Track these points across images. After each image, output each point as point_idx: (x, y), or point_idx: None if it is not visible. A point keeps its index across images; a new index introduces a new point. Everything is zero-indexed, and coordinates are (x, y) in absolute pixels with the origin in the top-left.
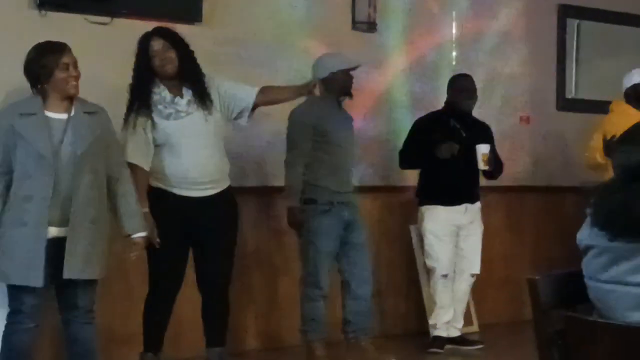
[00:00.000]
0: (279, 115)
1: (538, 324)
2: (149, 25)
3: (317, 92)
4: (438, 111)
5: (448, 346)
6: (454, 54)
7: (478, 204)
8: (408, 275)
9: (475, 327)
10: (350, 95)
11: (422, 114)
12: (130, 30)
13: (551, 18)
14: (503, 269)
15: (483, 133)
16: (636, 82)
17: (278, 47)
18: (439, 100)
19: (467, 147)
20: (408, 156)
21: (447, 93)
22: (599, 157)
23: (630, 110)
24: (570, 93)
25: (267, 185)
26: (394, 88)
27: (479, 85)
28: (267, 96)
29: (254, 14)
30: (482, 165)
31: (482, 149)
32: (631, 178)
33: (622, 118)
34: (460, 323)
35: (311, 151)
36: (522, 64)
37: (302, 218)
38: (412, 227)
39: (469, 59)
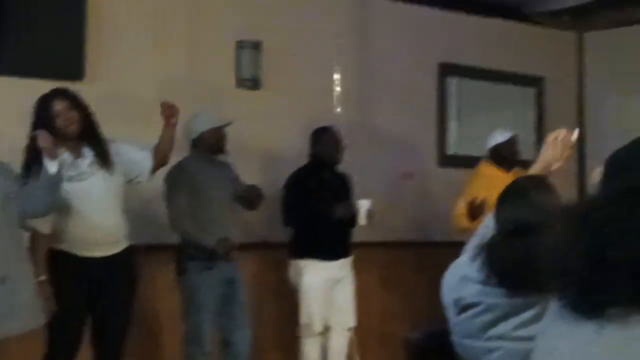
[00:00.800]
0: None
1: None
2: (31, 84)
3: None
4: (307, 165)
5: None
6: (338, 110)
7: (351, 258)
8: (290, 331)
9: None
10: (222, 151)
11: None
12: (12, 88)
13: (432, 76)
14: (382, 324)
15: (348, 182)
16: (497, 142)
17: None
18: None
19: (339, 198)
20: (294, 214)
21: (315, 145)
22: (465, 221)
23: (493, 171)
24: (451, 149)
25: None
26: (280, 144)
27: (365, 138)
28: (157, 154)
29: (136, 71)
30: (363, 221)
31: (365, 205)
32: (523, 233)
33: (484, 180)
34: None
35: (188, 208)
36: (404, 120)
37: (231, 245)
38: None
39: (352, 114)
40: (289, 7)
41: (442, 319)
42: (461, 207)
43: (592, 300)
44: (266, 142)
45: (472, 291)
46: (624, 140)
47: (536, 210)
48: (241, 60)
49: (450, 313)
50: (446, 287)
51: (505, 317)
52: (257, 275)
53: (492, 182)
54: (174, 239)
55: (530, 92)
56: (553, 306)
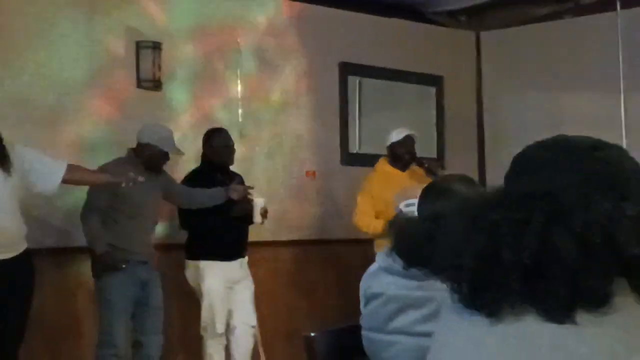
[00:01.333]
0: None
1: None
2: None
3: (130, 184)
4: (200, 167)
5: None
6: (240, 111)
7: (246, 258)
8: (194, 332)
9: None
10: (158, 172)
11: None
12: None
13: (333, 75)
14: (290, 322)
15: (239, 183)
16: (392, 141)
17: (61, 107)
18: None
19: (233, 201)
20: (187, 217)
21: (205, 148)
22: (367, 218)
23: (389, 168)
24: (354, 148)
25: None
26: (181, 146)
27: (266, 141)
28: (74, 176)
29: (36, 71)
30: (258, 219)
31: (260, 203)
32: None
33: (381, 177)
34: None
35: (108, 210)
36: (307, 120)
37: (114, 260)
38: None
39: (256, 116)
40: (189, 8)
41: (347, 317)
42: (364, 204)
43: (487, 297)
44: None
45: (381, 282)
46: (521, 138)
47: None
48: (141, 60)
49: (361, 304)
50: (363, 280)
51: (405, 309)
52: (162, 277)
53: (387, 179)
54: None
55: (430, 91)
56: (447, 301)
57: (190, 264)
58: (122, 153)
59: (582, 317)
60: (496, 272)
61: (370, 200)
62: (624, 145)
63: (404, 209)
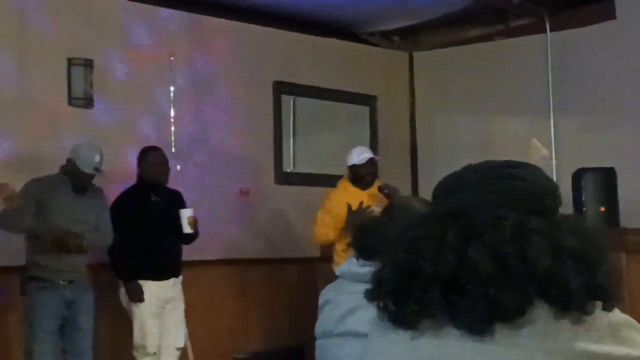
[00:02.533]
0: None
1: None
2: None
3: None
4: (134, 186)
5: None
6: (172, 128)
7: (181, 277)
8: (128, 353)
9: None
10: (82, 191)
11: None
12: None
13: (267, 94)
14: (224, 342)
15: (178, 200)
16: (354, 163)
17: None
18: None
19: (168, 218)
20: (118, 237)
21: (140, 167)
22: (331, 233)
23: (349, 187)
24: (288, 167)
25: None
26: (114, 164)
27: (202, 158)
28: None
29: None
30: (188, 229)
31: (187, 213)
32: None
33: (340, 194)
34: None
35: (32, 226)
36: (241, 138)
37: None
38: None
39: (188, 134)
40: (120, 26)
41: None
42: (322, 217)
43: (407, 310)
44: None
45: (336, 289)
46: (454, 158)
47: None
48: (73, 78)
49: (319, 316)
50: (322, 292)
51: (353, 311)
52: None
53: (347, 197)
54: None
55: (364, 110)
56: (374, 320)
57: (122, 284)
58: (52, 170)
59: (500, 332)
60: (416, 286)
61: (328, 216)
62: (554, 166)
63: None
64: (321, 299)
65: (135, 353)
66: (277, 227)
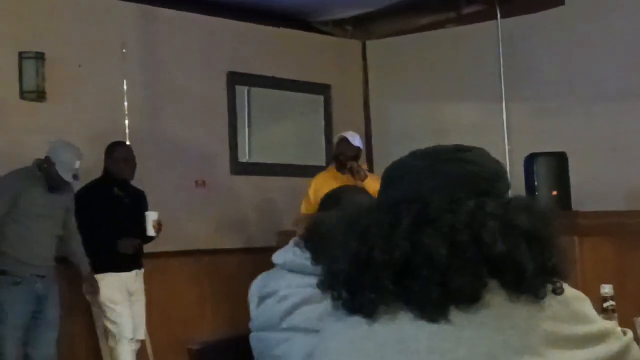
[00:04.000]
0: None
1: None
2: None
3: None
4: (98, 179)
5: None
6: (126, 121)
7: (142, 270)
8: (87, 344)
9: None
10: (56, 190)
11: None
12: None
13: (221, 85)
14: (181, 333)
15: (142, 199)
16: (337, 152)
17: None
18: None
19: (131, 214)
20: (82, 231)
21: (106, 161)
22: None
23: (332, 171)
24: (244, 157)
25: None
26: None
27: (157, 150)
28: None
29: None
30: (152, 232)
31: (152, 216)
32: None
33: (321, 179)
34: None
35: (6, 220)
36: (195, 129)
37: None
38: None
39: (142, 126)
40: (72, 18)
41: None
42: (303, 208)
43: (363, 298)
44: None
45: (277, 280)
46: (408, 146)
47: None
48: (24, 71)
49: (252, 307)
50: (252, 287)
51: (300, 306)
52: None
53: (326, 182)
54: None
55: (318, 99)
56: (328, 306)
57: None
58: (3, 165)
59: (455, 315)
60: (369, 274)
61: (309, 204)
62: (506, 152)
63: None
64: (261, 288)
65: (111, 343)
66: (233, 217)
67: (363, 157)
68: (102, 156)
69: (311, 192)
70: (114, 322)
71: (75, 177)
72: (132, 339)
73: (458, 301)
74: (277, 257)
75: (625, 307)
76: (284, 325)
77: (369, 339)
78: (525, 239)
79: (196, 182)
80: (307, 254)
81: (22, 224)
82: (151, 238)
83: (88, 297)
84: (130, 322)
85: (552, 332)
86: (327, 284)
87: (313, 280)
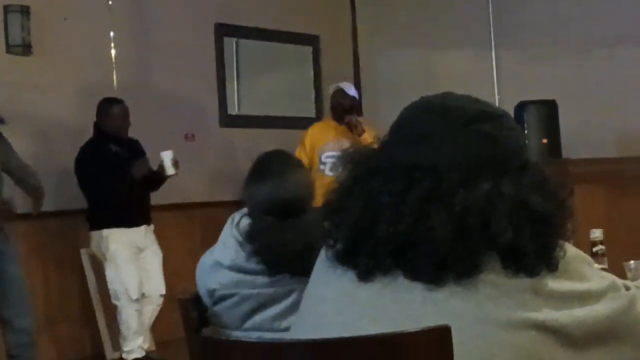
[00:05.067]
0: None
1: (190, 344)
2: None
3: None
4: (93, 139)
5: None
6: (114, 75)
7: (152, 225)
8: (80, 301)
9: (152, 346)
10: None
11: (84, 137)
12: None
13: (209, 37)
14: (177, 284)
15: (138, 148)
16: (334, 102)
17: None
18: None
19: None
20: (94, 186)
21: (100, 118)
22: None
23: (329, 120)
24: (233, 109)
25: None
26: (55, 112)
27: (146, 103)
28: None
29: None
30: (171, 170)
31: (168, 155)
32: (280, 212)
33: (318, 128)
34: (147, 343)
35: None
36: (183, 82)
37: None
38: (82, 251)
39: (130, 79)
40: None
41: None
42: (297, 155)
43: (359, 261)
44: (40, 110)
45: (225, 280)
46: (398, 96)
47: (285, 187)
48: (10, 25)
49: (206, 302)
50: (200, 275)
51: (262, 307)
52: (38, 247)
53: (322, 131)
54: None
55: (307, 50)
56: (321, 256)
57: (94, 234)
58: None
59: (450, 287)
60: (369, 243)
61: (304, 151)
62: (496, 101)
63: (325, 160)
64: (212, 290)
65: (115, 302)
66: (224, 170)
67: None
68: (91, 109)
69: (307, 141)
70: (117, 282)
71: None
72: (136, 299)
73: (455, 275)
74: (223, 257)
75: (616, 252)
76: (246, 325)
77: (363, 288)
78: (532, 221)
79: (185, 135)
80: (246, 253)
81: None
82: (161, 182)
83: (99, 256)
84: (135, 282)
85: (547, 290)
86: (325, 232)
87: (262, 280)
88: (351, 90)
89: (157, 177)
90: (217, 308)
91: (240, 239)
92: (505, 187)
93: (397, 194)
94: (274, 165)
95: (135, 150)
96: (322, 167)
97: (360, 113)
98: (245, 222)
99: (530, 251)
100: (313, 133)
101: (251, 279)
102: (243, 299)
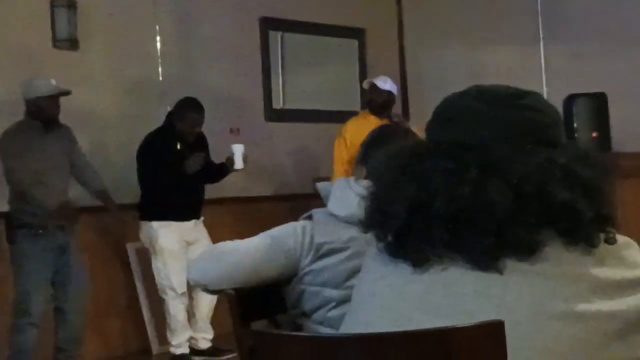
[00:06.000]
0: None
1: (238, 338)
2: None
3: None
4: (161, 132)
5: (197, 358)
6: (160, 69)
7: (202, 219)
8: (127, 296)
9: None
10: (55, 120)
11: (131, 131)
12: None
13: (254, 31)
14: None
15: (203, 144)
16: (368, 98)
17: None
18: (147, 117)
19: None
20: (152, 177)
21: (177, 115)
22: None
23: (367, 115)
24: (278, 104)
25: None
26: (101, 106)
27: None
28: None
29: None
30: (240, 164)
31: (240, 149)
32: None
33: (357, 122)
34: (210, 334)
35: (23, 175)
36: (228, 76)
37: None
38: (129, 245)
39: (176, 73)
40: None
41: None
42: (336, 149)
43: (414, 246)
44: (86, 104)
45: (340, 234)
46: (443, 90)
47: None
48: (56, 20)
49: (307, 256)
50: (310, 229)
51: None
52: (86, 241)
53: (361, 125)
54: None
55: (353, 44)
56: (370, 251)
57: (144, 225)
58: None
59: (508, 266)
60: (425, 222)
61: (344, 145)
62: (545, 95)
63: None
64: (322, 243)
65: (163, 295)
66: (268, 164)
67: (399, 102)
68: (136, 104)
69: (347, 135)
70: (164, 275)
71: (59, 90)
72: (183, 293)
73: (514, 252)
74: (338, 208)
75: None
76: (349, 284)
77: (415, 282)
78: (584, 189)
79: (230, 129)
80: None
81: (33, 176)
82: (225, 174)
83: (146, 246)
84: (181, 278)
85: (601, 278)
86: (375, 224)
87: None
88: (386, 85)
89: (223, 170)
90: (321, 263)
91: (364, 193)
92: (557, 156)
93: (449, 172)
94: (393, 133)
95: (199, 147)
96: None
97: (390, 107)
98: (364, 182)
99: (587, 217)
100: (353, 128)
101: (363, 235)
102: (354, 255)
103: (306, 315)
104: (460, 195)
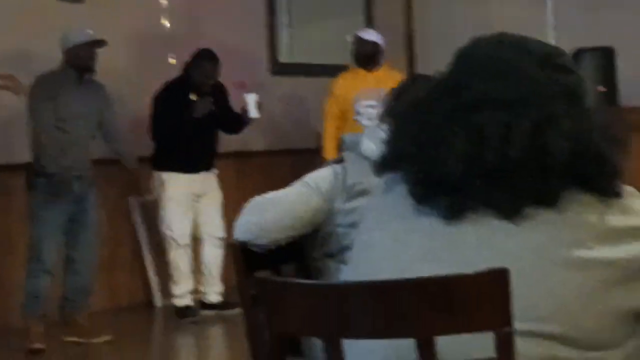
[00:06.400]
0: None
1: (241, 287)
2: None
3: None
4: (176, 81)
5: (208, 312)
6: (167, 24)
7: (215, 171)
8: (130, 248)
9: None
10: (91, 70)
11: (136, 84)
12: None
13: None
14: (229, 232)
15: (223, 90)
16: (355, 51)
17: None
18: (153, 72)
19: (205, 115)
20: (162, 127)
21: (192, 65)
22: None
23: (356, 69)
24: (284, 58)
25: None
26: (108, 58)
27: (192, 52)
28: None
29: None
30: (255, 113)
31: (253, 97)
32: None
33: (346, 77)
34: (220, 287)
35: (45, 118)
36: (235, 29)
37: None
38: (131, 199)
39: (181, 26)
40: None
41: None
42: (327, 105)
43: (451, 200)
44: None
45: (369, 176)
46: (451, 46)
47: None
48: None
49: (338, 200)
50: (340, 170)
51: None
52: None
53: (352, 79)
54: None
55: None
56: (373, 199)
57: (155, 174)
58: (48, 65)
59: (528, 213)
60: (473, 176)
61: (335, 101)
62: None
63: (361, 110)
64: (355, 184)
65: (166, 245)
66: (273, 118)
67: (403, 55)
68: (141, 57)
69: (337, 91)
70: (168, 226)
71: (95, 39)
72: (186, 244)
73: (538, 201)
74: (372, 151)
75: None
76: None
77: (415, 231)
78: (608, 142)
79: (233, 82)
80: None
81: (57, 125)
82: (243, 124)
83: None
84: (184, 229)
85: (603, 225)
86: (414, 173)
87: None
88: (370, 36)
89: (241, 120)
90: (352, 204)
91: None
92: (594, 113)
93: (505, 127)
94: (418, 83)
95: (219, 98)
96: (358, 117)
97: (376, 58)
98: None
99: (610, 169)
100: (343, 83)
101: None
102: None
103: (331, 256)
104: (514, 147)
